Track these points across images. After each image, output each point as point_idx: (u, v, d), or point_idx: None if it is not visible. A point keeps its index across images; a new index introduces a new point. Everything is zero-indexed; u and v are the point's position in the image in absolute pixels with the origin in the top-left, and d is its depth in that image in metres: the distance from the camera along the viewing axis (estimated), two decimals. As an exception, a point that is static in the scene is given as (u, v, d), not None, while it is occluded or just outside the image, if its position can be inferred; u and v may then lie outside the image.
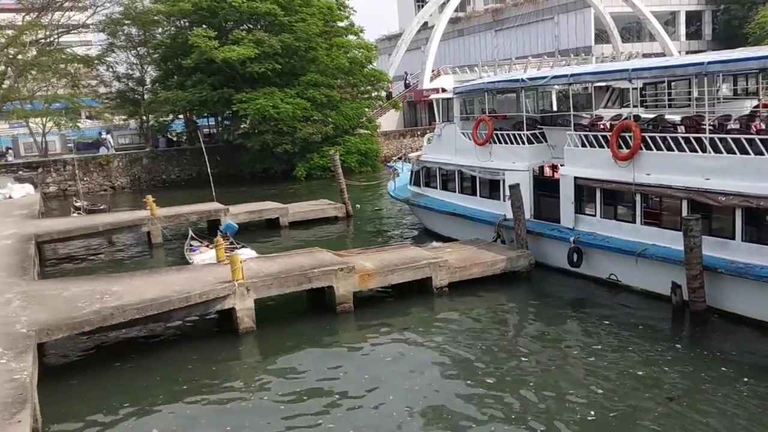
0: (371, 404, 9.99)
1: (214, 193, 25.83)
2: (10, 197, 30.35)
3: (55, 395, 10.36)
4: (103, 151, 44.89)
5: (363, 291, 14.45)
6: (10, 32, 42.83)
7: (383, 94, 48.88)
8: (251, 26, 42.26)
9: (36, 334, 10.65)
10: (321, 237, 22.67)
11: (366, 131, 44.20)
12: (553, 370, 10.91)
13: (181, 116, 46.38)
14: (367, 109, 45.62)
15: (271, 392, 10.64)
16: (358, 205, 27.24)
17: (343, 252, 16.36)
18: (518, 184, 16.46)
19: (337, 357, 12.03)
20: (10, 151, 46.42)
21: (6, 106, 43.04)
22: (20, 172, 37.47)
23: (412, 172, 23.31)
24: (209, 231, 23.13)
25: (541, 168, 18.19)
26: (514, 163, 17.85)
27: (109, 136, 46.88)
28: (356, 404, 10.04)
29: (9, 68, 42.53)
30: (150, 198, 23.32)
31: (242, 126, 41.56)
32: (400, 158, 28.51)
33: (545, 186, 17.43)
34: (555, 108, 20.43)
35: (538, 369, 11.02)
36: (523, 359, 11.45)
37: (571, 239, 15.42)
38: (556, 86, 19.52)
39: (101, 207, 29.50)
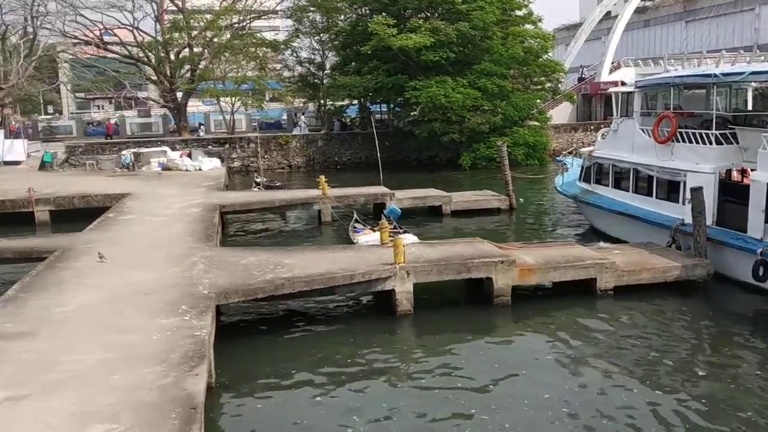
0: (524, 401, 9.81)
1: (381, 178, 26.53)
2: (200, 169, 33.17)
3: (228, 355, 11.20)
4: (296, 131, 47.76)
5: (522, 286, 14.19)
6: (208, 16, 46.61)
7: (558, 86, 47.43)
8: (429, 14, 42.69)
9: (215, 296, 11.59)
10: (482, 227, 22.54)
11: (536, 123, 43.19)
12: (721, 398, 9.98)
13: (355, 101, 48.05)
14: (538, 101, 44.54)
15: (425, 376, 10.78)
16: (521, 199, 26.75)
17: (504, 244, 16.15)
18: (701, 188, 15.26)
19: (491, 349, 11.94)
20: (202, 127, 50.75)
21: (201, 85, 47.00)
22: (210, 147, 40.82)
23: (582, 167, 22.45)
24: (374, 214, 23.83)
25: (729, 171, 16.74)
26: (699, 164, 16.57)
27: (303, 117, 49.87)
28: (509, 400, 9.90)
29: (206, 50, 46.36)
30: (323, 178, 24.46)
31: (412, 113, 42.29)
32: (570, 153, 27.55)
33: (732, 191, 16.04)
34: (750, 107, 18.68)
35: (704, 393, 10.15)
36: (688, 378, 10.65)
37: (759, 251, 14.05)
38: (753, 83, 17.83)
39: (277, 184, 31.46)
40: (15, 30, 43.01)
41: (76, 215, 23.41)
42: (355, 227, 20.92)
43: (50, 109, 79.90)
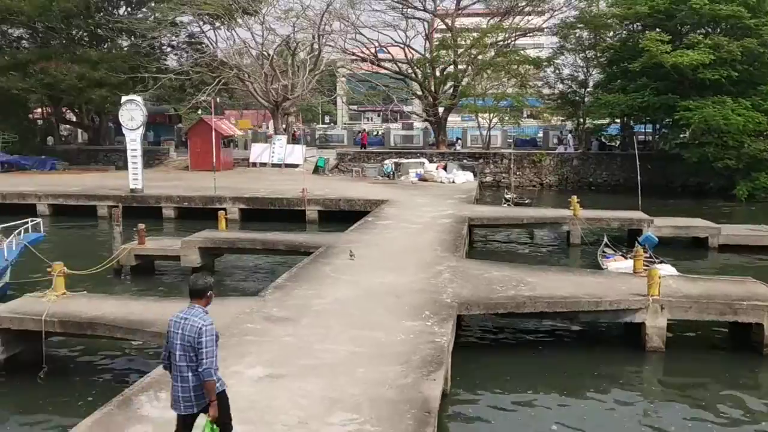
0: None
1: (639, 202, 24.94)
2: (454, 182, 34.15)
3: (464, 365, 11.33)
4: (560, 149, 46.94)
5: (802, 338, 12.34)
6: (474, 34, 47.85)
7: None
8: (709, 30, 39.27)
9: (458, 306, 11.83)
10: (756, 267, 20.02)
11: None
12: None
13: (617, 121, 45.85)
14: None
15: (671, 423, 9.86)
16: (810, 238, 23.23)
17: (783, 289, 14.17)
18: None
19: (755, 408, 10.53)
20: (459, 141, 52.26)
21: (461, 101, 48.37)
22: (464, 161, 41.78)
23: None
24: (627, 240, 22.48)
25: None
26: None
27: (570, 136, 48.94)
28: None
29: (469, 67, 47.62)
30: (574, 198, 23.68)
31: (681, 135, 39.13)
32: None
33: None
34: None
35: None
36: None
37: None
38: None
39: (526, 201, 31.20)
40: (304, 47, 48.11)
41: (340, 216, 25.58)
42: (604, 252, 19.91)
43: (326, 118, 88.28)
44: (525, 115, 54.30)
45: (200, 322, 6.12)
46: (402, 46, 49.20)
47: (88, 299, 12.39)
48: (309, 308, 11.64)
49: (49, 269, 12.65)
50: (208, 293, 6.34)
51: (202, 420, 6.27)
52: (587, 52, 46.65)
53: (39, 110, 53.65)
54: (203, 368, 6.03)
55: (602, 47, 44.48)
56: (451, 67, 48.51)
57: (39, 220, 19.48)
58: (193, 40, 49.16)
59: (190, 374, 6.13)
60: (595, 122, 45.96)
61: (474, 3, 50.54)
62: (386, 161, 38.49)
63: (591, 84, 47.55)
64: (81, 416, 7.86)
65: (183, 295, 14.91)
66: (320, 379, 8.56)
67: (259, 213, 27.24)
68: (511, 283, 13.39)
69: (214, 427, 6.16)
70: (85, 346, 12.60)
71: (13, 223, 17.85)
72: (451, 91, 49.02)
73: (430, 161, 39.23)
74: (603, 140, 47.87)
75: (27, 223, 18.16)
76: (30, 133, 48.46)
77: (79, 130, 54.77)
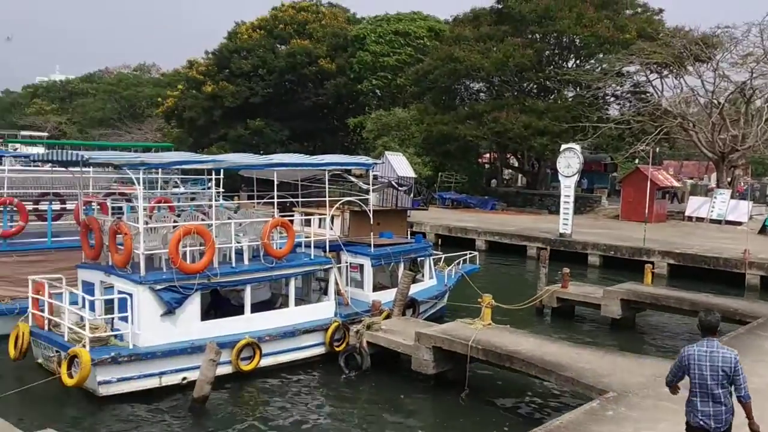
0: None
1: None
2: None
3: None
4: None
5: None
6: None
7: None
8: None
9: None
10: None
11: None
12: None
13: None
14: None
15: None
16: None
17: None
18: None
19: None
20: None
21: None
22: None
23: None
24: None
25: None
26: None
27: None
28: None
29: None
30: None
31: None
32: None
33: None
34: None
35: None
36: None
37: None
38: None
39: None
40: (762, 94, 43.31)
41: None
42: None
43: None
44: None
45: (731, 353, 6.95)
46: None
47: (510, 333, 13.19)
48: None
49: (479, 300, 13.86)
50: (719, 328, 7.20)
51: None
52: None
53: (486, 155, 59.48)
54: (744, 392, 6.89)
55: None
56: None
57: (476, 253, 21.64)
58: (637, 89, 48.57)
59: (726, 399, 6.92)
60: None
61: None
62: None
63: None
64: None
65: (599, 345, 14.72)
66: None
67: (690, 271, 25.28)
68: None
69: None
70: (503, 376, 13.40)
71: (455, 253, 20.21)
72: None
73: None
74: None
75: (465, 255, 20.36)
76: (477, 175, 53.98)
77: (519, 175, 58.90)
